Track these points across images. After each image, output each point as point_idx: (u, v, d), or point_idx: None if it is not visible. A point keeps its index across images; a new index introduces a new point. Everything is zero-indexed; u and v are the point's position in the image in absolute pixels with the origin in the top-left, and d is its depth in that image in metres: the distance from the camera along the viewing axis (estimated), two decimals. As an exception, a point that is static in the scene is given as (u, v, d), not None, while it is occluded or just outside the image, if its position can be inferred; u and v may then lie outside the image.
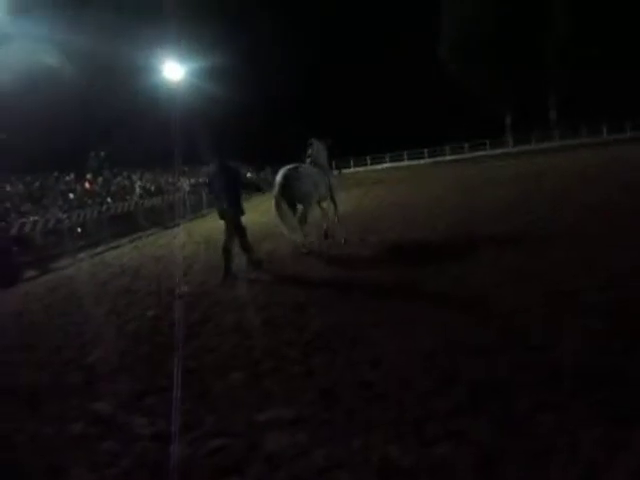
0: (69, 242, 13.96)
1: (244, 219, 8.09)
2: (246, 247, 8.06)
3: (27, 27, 21.08)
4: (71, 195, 17.61)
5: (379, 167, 47.08)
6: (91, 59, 25.27)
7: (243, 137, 36.49)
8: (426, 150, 47.89)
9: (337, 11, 47.78)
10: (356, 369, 3.94)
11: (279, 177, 8.45)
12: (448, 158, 45.90)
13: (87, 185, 19.95)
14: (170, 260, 10.42)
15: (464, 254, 7.34)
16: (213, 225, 15.74)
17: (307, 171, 8.71)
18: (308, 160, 9.26)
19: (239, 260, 8.12)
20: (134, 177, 24.09)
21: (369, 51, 48.90)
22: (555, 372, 3.43)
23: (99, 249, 14.05)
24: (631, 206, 9.21)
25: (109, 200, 18.28)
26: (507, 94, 45.21)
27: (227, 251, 7.80)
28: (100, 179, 21.54)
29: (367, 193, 20.14)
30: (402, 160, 48.23)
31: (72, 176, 20.97)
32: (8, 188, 17.16)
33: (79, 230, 15.33)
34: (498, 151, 43.43)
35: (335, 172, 10.75)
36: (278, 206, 8.29)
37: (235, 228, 7.86)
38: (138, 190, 21.10)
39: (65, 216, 14.71)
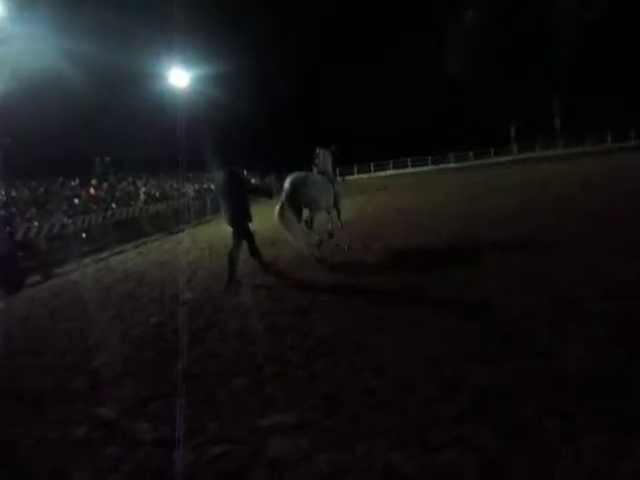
0: (74, 247, 14.00)
1: (251, 225, 8.13)
2: (255, 252, 8.12)
3: (32, 33, 21.22)
4: (76, 200, 17.68)
5: (383, 174, 47.06)
6: (97, 65, 25.39)
7: (246, 143, 36.56)
8: (430, 157, 47.88)
9: (337, 11, 47.73)
10: (359, 375, 3.94)
11: (286, 184, 8.48)
12: (452, 165, 45.89)
13: (92, 190, 20.03)
14: (174, 266, 10.44)
15: (468, 261, 7.34)
16: (217, 231, 15.80)
17: (314, 179, 8.75)
18: (315, 169, 9.33)
19: (243, 266, 8.14)
20: (139, 183, 24.19)
21: (369, 51, 48.79)
22: (560, 379, 3.42)
23: (104, 254, 14.09)
24: (635, 214, 9.19)
25: (114, 206, 18.36)
26: (512, 106, 45.26)
27: (232, 258, 7.83)
28: (105, 185, 21.63)
29: (371, 200, 20.16)
30: (406, 167, 48.20)
31: (77, 181, 21.06)
32: (13, 193, 17.24)
33: (84, 235, 15.40)
34: (503, 159, 43.38)
35: (339, 179, 10.76)
36: (282, 213, 8.30)
37: (244, 234, 7.90)
38: (142, 196, 21.17)
39: (70, 221, 14.78)
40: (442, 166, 46.24)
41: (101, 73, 26.14)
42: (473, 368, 3.77)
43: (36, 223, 13.60)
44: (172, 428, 3.46)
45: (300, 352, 4.58)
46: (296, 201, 8.38)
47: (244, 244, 8.04)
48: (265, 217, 8.52)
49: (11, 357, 5.75)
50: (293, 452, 3.03)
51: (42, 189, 18.60)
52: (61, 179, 20.58)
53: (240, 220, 7.88)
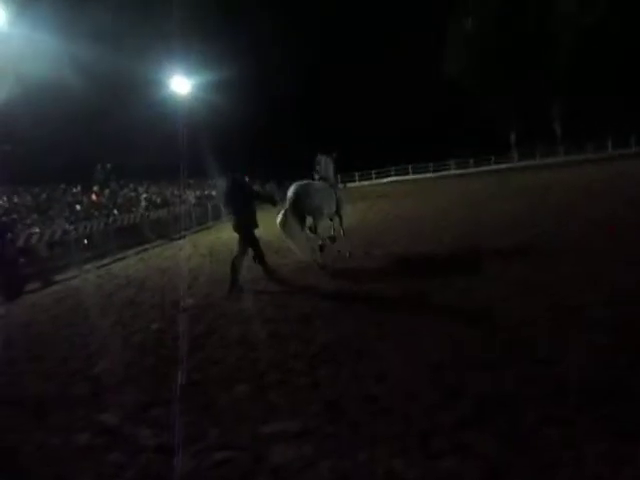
0: (75, 254, 14.02)
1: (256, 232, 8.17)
2: (260, 259, 8.16)
3: (34, 40, 21.34)
4: (78, 207, 17.74)
5: (384, 181, 47.13)
6: (99, 73, 25.51)
7: (246, 148, 36.67)
8: (431, 164, 47.94)
9: (337, 11, 47.63)
10: (362, 382, 3.95)
11: (290, 193, 8.51)
12: (453, 172, 45.93)
13: (94, 197, 20.10)
14: (175, 272, 10.45)
15: (470, 267, 7.35)
16: (218, 237, 15.86)
17: (317, 187, 8.78)
18: (317, 177, 9.36)
19: (247, 273, 8.17)
20: (140, 189, 24.25)
21: (369, 51, 48.69)
22: (561, 386, 3.43)
23: (105, 261, 14.10)
24: (636, 221, 9.21)
25: (115, 212, 18.40)
26: (512, 110, 45.33)
27: (236, 265, 7.86)
28: (107, 191, 21.69)
29: (372, 207, 20.16)
30: (407, 174, 48.27)
31: (79, 188, 21.12)
32: (15, 199, 17.29)
33: (85, 242, 15.41)
34: (503, 166, 43.45)
35: (341, 186, 10.83)
36: (285, 221, 8.33)
37: (249, 240, 7.94)
38: (143, 202, 21.21)
39: (72, 228, 14.80)
40: (443, 173, 46.28)
41: (103, 80, 26.26)
42: (474, 375, 3.78)
43: (37, 229, 13.61)
44: (174, 434, 3.46)
45: (303, 359, 4.58)
46: (300, 209, 8.41)
47: (249, 251, 8.09)
48: (268, 224, 8.54)
49: (13, 363, 5.75)
50: (296, 459, 3.03)
51: (44, 195, 18.66)
52: (63, 185, 20.65)
53: (246, 226, 7.92)
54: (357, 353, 4.54)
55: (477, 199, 17.75)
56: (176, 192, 25.93)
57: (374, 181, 48.08)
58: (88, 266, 13.22)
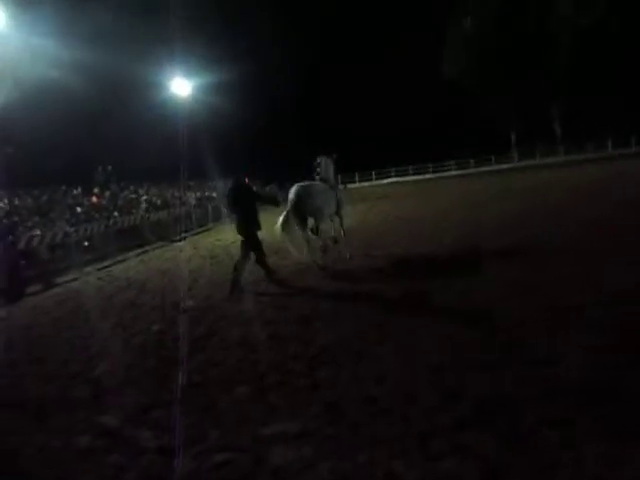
0: (76, 256, 14.02)
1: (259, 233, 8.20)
2: (261, 260, 8.19)
3: (34, 42, 21.36)
4: (78, 209, 17.74)
5: (384, 182, 47.11)
6: (99, 75, 25.52)
7: (247, 148, 36.69)
8: (431, 165, 47.92)
9: (337, 11, 47.40)
10: (361, 383, 3.96)
11: (291, 194, 8.53)
12: (453, 173, 45.92)
13: (94, 199, 20.10)
14: (176, 274, 10.46)
15: (469, 268, 7.36)
16: (219, 239, 15.85)
17: (318, 188, 8.80)
18: (317, 177, 9.38)
19: (248, 275, 8.18)
20: (141, 191, 24.26)
21: (369, 51, 48.50)
22: (560, 387, 3.44)
23: (106, 263, 14.10)
24: (636, 221, 9.21)
25: (116, 214, 18.41)
26: (512, 109, 45.32)
27: (238, 267, 7.91)
28: (107, 193, 21.71)
29: (372, 208, 20.17)
30: (407, 175, 48.25)
31: (79, 190, 21.13)
32: (16, 202, 17.29)
33: (86, 244, 15.41)
34: (504, 166, 43.45)
35: (341, 187, 10.85)
36: (286, 222, 8.36)
37: (252, 242, 7.96)
38: (144, 204, 21.21)
39: (72, 230, 14.81)
40: (443, 174, 46.26)
41: (103, 82, 26.28)
42: (474, 376, 3.79)
43: (38, 232, 13.61)
44: (174, 436, 3.47)
45: (303, 361, 4.59)
46: (301, 211, 8.44)
47: (252, 254, 8.11)
48: (270, 225, 8.56)
49: (14, 365, 5.77)
50: (296, 460, 3.04)
51: (45, 198, 18.67)
52: (64, 187, 20.66)
53: (249, 228, 7.94)
54: (357, 354, 4.55)
55: (477, 200, 17.75)
56: (176, 194, 25.94)
57: (374, 182, 48.05)
58: (89, 268, 13.22)
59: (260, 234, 8.19)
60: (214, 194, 28.61)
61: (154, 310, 7.50)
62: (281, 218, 8.38)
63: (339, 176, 10.65)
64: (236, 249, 12.55)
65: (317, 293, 7.10)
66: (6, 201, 16.67)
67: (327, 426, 3.38)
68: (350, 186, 44.09)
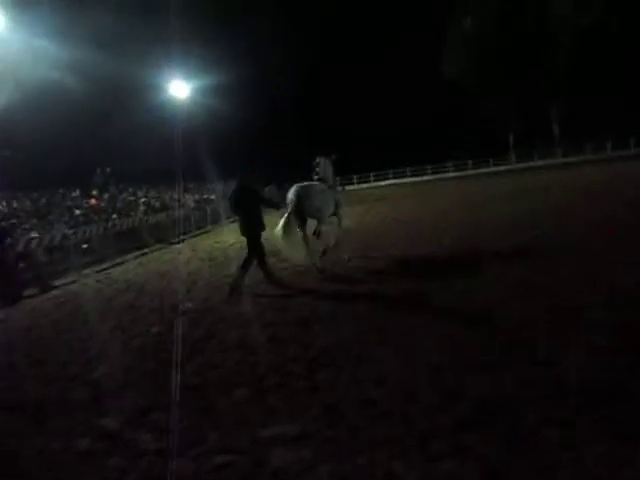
0: (75, 258, 14.00)
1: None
2: (262, 263, 8.19)
3: (32, 45, 21.39)
4: (77, 211, 17.72)
5: (382, 183, 47.12)
6: (98, 77, 25.53)
7: (246, 149, 36.68)
8: (429, 167, 47.94)
9: (337, 11, 47.31)
10: (361, 385, 3.95)
11: (291, 195, 8.54)
12: (451, 175, 45.96)
13: (93, 201, 20.09)
14: (174, 276, 10.45)
15: (469, 269, 7.36)
16: (217, 241, 15.85)
17: (317, 188, 8.81)
18: (316, 178, 9.38)
19: (246, 277, 8.18)
20: (139, 193, 24.26)
21: (369, 51, 48.31)
22: (560, 388, 3.44)
23: (104, 265, 14.08)
24: (635, 222, 9.24)
25: (114, 216, 18.39)
26: (511, 110, 45.40)
27: (243, 269, 7.96)
28: (106, 195, 21.70)
29: (370, 210, 20.19)
30: (405, 177, 48.28)
31: (78, 192, 21.12)
32: (15, 204, 17.29)
33: (85, 246, 15.39)
34: (502, 168, 43.54)
35: (339, 189, 10.83)
36: (288, 224, 8.36)
37: (254, 243, 7.98)
38: (142, 207, 21.18)
39: (71, 232, 14.79)
40: (441, 175, 46.30)
41: (102, 85, 26.28)
42: (474, 377, 3.79)
43: (34, 234, 13.56)
44: (174, 438, 3.47)
45: (302, 363, 4.59)
46: (302, 211, 8.45)
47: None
48: (271, 226, 8.56)
49: (13, 367, 5.77)
50: (295, 463, 3.04)
51: (44, 200, 18.66)
52: (62, 190, 20.64)
53: (252, 229, 7.96)
54: (356, 356, 4.55)
55: (476, 201, 17.78)
56: (175, 196, 25.93)
57: (372, 184, 48.06)
58: (87, 271, 13.21)
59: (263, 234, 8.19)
60: (212, 196, 28.60)
61: (153, 312, 7.49)
62: (282, 221, 8.38)
63: (338, 178, 10.64)
64: (235, 251, 12.62)
65: (316, 295, 7.10)
66: (4, 203, 16.67)
67: (326, 428, 3.38)
68: (348, 188, 43.96)
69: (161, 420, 3.84)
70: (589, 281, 5.86)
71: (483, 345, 4.39)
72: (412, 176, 47.90)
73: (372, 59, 48.04)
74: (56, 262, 13.78)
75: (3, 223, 13.11)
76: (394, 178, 48.40)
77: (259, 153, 37.66)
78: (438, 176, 46.18)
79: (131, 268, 13.08)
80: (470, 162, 46.47)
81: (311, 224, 8.93)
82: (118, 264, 14.19)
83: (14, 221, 14.58)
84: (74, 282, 11.89)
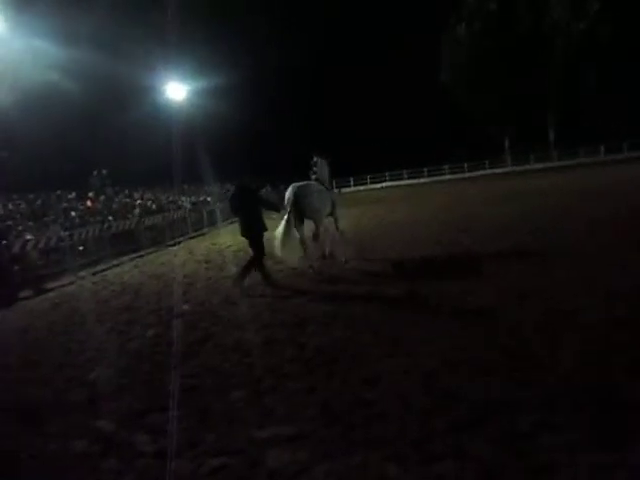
0: (71, 260, 13.96)
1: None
2: (260, 263, 8.22)
3: (30, 47, 21.37)
4: (73, 213, 17.67)
5: (378, 186, 47.21)
6: (95, 79, 25.53)
7: (245, 150, 36.67)
8: (426, 169, 47.98)
9: (341, 13, 47.28)
10: (356, 386, 3.97)
11: (289, 194, 8.58)
12: (448, 177, 46.07)
13: (89, 203, 20.03)
14: (171, 278, 10.45)
15: (465, 272, 7.40)
16: (214, 243, 15.85)
17: (314, 188, 8.85)
18: (314, 177, 9.42)
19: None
20: (136, 195, 24.22)
21: (373, 53, 48.14)
22: (554, 391, 3.45)
23: (100, 267, 14.05)
24: (630, 225, 9.29)
25: (110, 218, 18.34)
26: (507, 118, 45.55)
27: (247, 269, 8.08)
28: (102, 197, 21.64)
29: (367, 212, 20.20)
30: (402, 179, 48.37)
31: (74, 194, 21.05)
32: (10, 206, 17.23)
33: (81, 248, 15.34)
34: (498, 171, 43.72)
35: (336, 191, 10.88)
36: (288, 225, 8.41)
37: (256, 244, 8.04)
38: (137, 209, 21.10)
39: (67, 234, 14.75)
40: (438, 178, 46.38)
41: (99, 87, 26.27)
42: (468, 379, 3.80)
43: (29, 236, 13.49)
44: (170, 440, 3.47)
45: (298, 364, 4.61)
46: (300, 210, 8.50)
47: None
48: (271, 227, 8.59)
49: (9, 369, 5.75)
50: (291, 463, 3.05)
51: (39, 202, 18.60)
52: (58, 192, 20.58)
53: (254, 230, 8.01)
54: (352, 358, 4.57)
55: (472, 203, 17.84)
56: (171, 198, 25.90)
57: (369, 186, 48.14)
58: (83, 273, 13.18)
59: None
60: (209, 198, 28.58)
61: (149, 315, 7.49)
62: (282, 223, 8.42)
63: (334, 180, 10.69)
64: (231, 253, 12.63)
65: (312, 297, 7.11)
66: (0, 205, 16.63)
67: (322, 429, 3.39)
68: (345, 190, 44.19)
69: (157, 422, 3.84)
70: (585, 284, 5.90)
71: (478, 348, 4.40)
72: (409, 178, 48.00)
73: (374, 61, 47.97)
74: (52, 264, 13.74)
75: (-1, 225, 13.10)
76: (391, 180, 48.45)
77: (257, 156, 37.66)
78: (435, 178, 46.29)
79: (127, 270, 13.06)
80: (466, 165, 46.59)
81: (308, 226, 8.96)
82: (114, 266, 14.16)
83: (9, 223, 14.55)
84: (70, 284, 11.86)
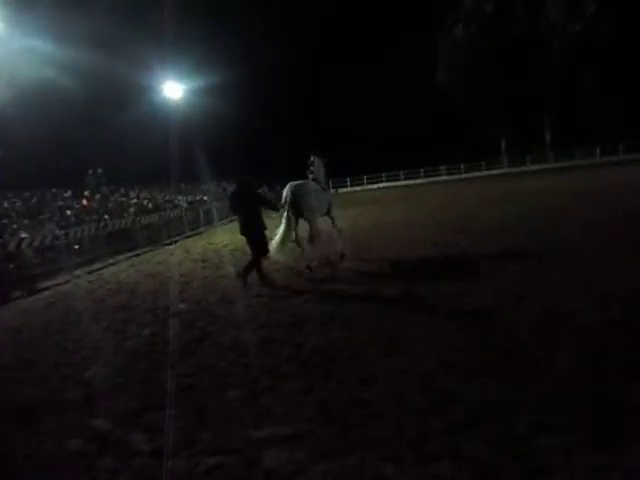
0: (66, 259, 13.91)
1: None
2: (259, 263, 8.27)
3: (26, 46, 21.31)
4: (68, 212, 17.61)
5: (375, 186, 47.25)
6: (92, 78, 25.45)
7: (242, 153, 36.63)
8: (422, 170, 48.04)
9: (337, 11, 47.14)
10: (353, 386, 3.97)
11: (287, 193, 8.60)
12: (444, 178, 46.16)
13: (84, 202, 19.96)
14: (167, 277, 10.43)
15: (462, 273, 7.42)
16: (210, 243, 15.82)
17: (312, 187, 8.89)
18: (311, 177, 9.44)
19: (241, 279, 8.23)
20: (132, 194, 24.15)
21: (369, 51, 47.98)
22: (550, 393, 3.46)
23: (96, 266, 14.02)
24: (626, 227, 9.32)
25: (106, 217, 18.29)
26: (503, 119, 45.64)
27: (250, 267, 8.15)
28: (98, 196, 21.57)
29: (363, 212, 20.22)
30: (398, 179, 48.43)
31: (69, 193, 20.98)
32: (5, 204, 17.16)
33: (76, 247, 15.29)
34: (494, 172, 43.85)
35: (332, 191, 10.91)
36: (289, 223, 8.46)
37: (257, 243, 8.10)
38: (132, 208, 21.01)
39: (62, 233, 14.70)
40: (434, 179, 46.46)
41: (96, 85, 26.19)
42: (465, 380, 3.81)
43: (27, 235, 13.44)
44: (167, 439, 3.46)
45: (295, 364, 4.61)
46: (297, 210, 8.54)
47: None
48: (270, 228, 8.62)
49: (4, 368, 5.74)
50: (288, 463, 3.04)
51: (35, 200, 18.53)
52: (54, 190, 20.50)
53: (254, 228, 8.06)
54: (349, 358, 4.57)
55: (468, 204, 17.87)
56: (168, 197, 25.85)
57: (365, 186, 48.16)
58: (79, 271, 13.14)
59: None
60: (205, 197, 28.54)
61: (145, 313, 7.48)
62: (283, 222, 8.48)
63: (330, 181, 10.72)
64: (228, 253, 12.62)
65: (309, 297, 7.11)
66: (-5, 203, 16.56)
67: (319, 429, 3.39)
68: (341, 190, 44.23)
69: (154, 421, 3.83)
70: (580, 286, 5.91)
71: (474, 349, 4.41)
72: (405, 179, 48.07)
73: (370, 59, 47.77)
74: (47, 263, 13.70)
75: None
76: (387, 181, 48.50)
77: (253, 154, 37.61)
78: (431, 179, 46.37)
79: (123, 269, 13.04)
80: (462, 166, 46.68)
81: (302, 226, 8.97)
82: (110, 265, 14.13)
83: (5, 221, 14.50)
84: (65, 283, 11.83)
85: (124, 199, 22.57)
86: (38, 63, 22.27)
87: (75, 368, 5.33)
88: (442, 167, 47.51)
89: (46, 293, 10.80)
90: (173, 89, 30.85)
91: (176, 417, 3.79)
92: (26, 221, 15.40)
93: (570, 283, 6.09)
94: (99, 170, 24.04)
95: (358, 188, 47.59)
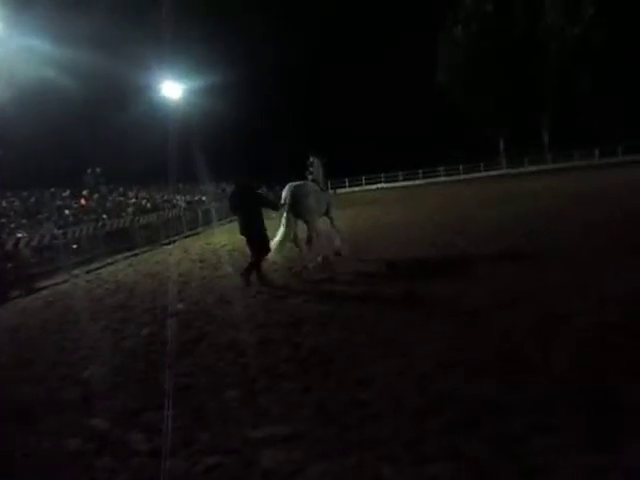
0: (64, 258, 13.90)
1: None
2: (258, 263, 8.28)
3: (26, 45, 21.29)
4: (67, 211, 17.60)
5: (374, 187, 47.26)
6: (91, 78, 25.44)
7: (241, 153, 36.61)
8: (421, 171, 48.08)
9: (337, 11, 47.11)
10: (351, 387, 3.97)
11: (286, 193, 8.61)
12: (443, 179, 46.20)
13: (83, 201, 19.95)
14: (165, 277, 10.43)
15: (460, 274, 7.41)
16: (209, 243, 15.82)
17: (312, 188, 8.90)
18: (310, 177, 9.45)
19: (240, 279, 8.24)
20: (130, 194, 24.14)
21: (369, 51, 48.03)
22: (549, 393, 3.47)
23: (94, 266, 14.01)
24: (624, 229, 9.33)
25: (105, 216, 18.28)
26: (502, 119, 45.68)
27: (251, 268, 8.17)
28: (96, 195, 21.56)
29: (362, 213, 20.22)
30: (397, 180, 48.45)
31: (68, 192, 20.96)
32: (4, 204, 17.14)
33: (75, 246, 15.28)
34: (493, 173, 43.89)
35: (331, 192, 10.93)
36: (289, 223, 8.48)
37: (258, 243, 8.13)
38: (131, 208, 21.00)
39: (61, 232, 14.69)
40: (433, 180, 46.49)
41: (95, 85, 26.18)
42: (463, 381, 3.81)
43: (25, 234, 13.43)
44: (165, 439, 3.47)
45: (293, 364, 4.61)
46: (297, 211, 8.55)
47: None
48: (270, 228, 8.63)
49: (2, 368, 5.73)
50: (286, 463, 3.04)
51: (33, 199, 18.52)
52: (52, 190, 20.49)
53: (253, 228, 8.08)
54: (347, 358, 4.57)
55: (467, 206, 17.88)
56: (166, 197, 25.84)
57: (364, 187, 48.18)
58: (77, 271, 13.12)
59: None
60: (204, 197, 28.53)
61: (143, 313, 7.47)
62: (283, 223, 8.48)
63: (329, 181, 10.74)
64: (226, 253, 12.62)
65: (308, 297, 7.11)
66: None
67: (317, 429, 3.39)
68: (340, 191, 44.24)
69: (152, 421, 3.83)
70: (578, 287, 5.91)
71: (472, 349, 4.41)
72: (404, 180, 48.08)
73: (370, 59, 47.79)
74: (45, 262, 13.68)
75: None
76: (386, 182, 48.51)
77: (253, 155, 37.57)
78: (430, 180, 46.39)
79: (121, 269, 13.03)
80: (461, 167, 46.70)
81: (300, 227, 8.98)
82: (108, 264, 14.12)
83: (3, 221, 14.48)
84: (64, 282, 11.82)
85: (122, 199, 22.57)
86: (37, 63, 22.27)
87: (73, 368, 5.32)
88: (441, 168, 47.53)
89: (44, 292, 10.79)
90: (172, 89, 30.84)
91: (174, 417, 3.79)
92: (24, 220, 15.40)
93: (568, 285, 6.10)
94: (98, 170, 24.04)
95: (357, 189, 47.62)
